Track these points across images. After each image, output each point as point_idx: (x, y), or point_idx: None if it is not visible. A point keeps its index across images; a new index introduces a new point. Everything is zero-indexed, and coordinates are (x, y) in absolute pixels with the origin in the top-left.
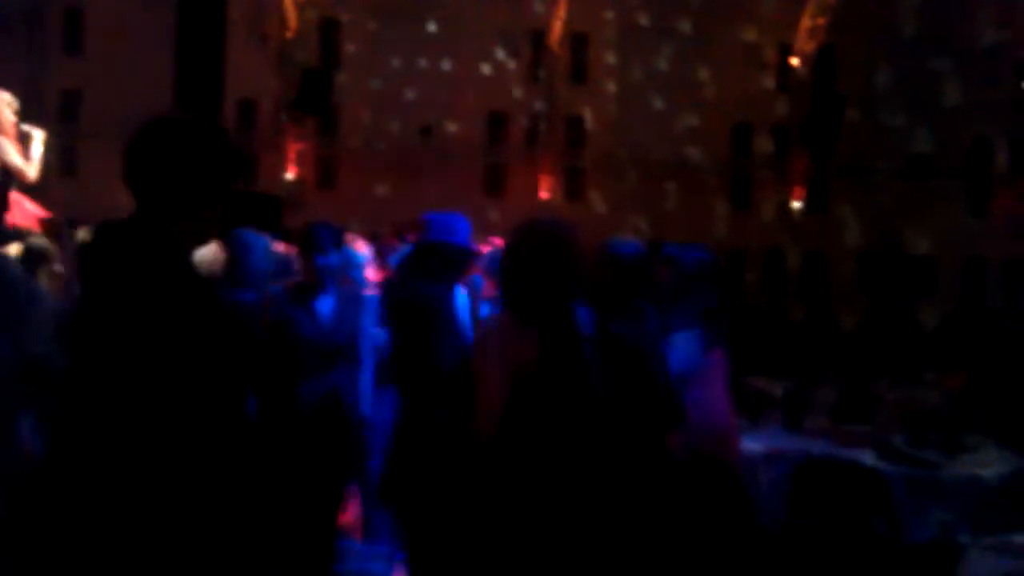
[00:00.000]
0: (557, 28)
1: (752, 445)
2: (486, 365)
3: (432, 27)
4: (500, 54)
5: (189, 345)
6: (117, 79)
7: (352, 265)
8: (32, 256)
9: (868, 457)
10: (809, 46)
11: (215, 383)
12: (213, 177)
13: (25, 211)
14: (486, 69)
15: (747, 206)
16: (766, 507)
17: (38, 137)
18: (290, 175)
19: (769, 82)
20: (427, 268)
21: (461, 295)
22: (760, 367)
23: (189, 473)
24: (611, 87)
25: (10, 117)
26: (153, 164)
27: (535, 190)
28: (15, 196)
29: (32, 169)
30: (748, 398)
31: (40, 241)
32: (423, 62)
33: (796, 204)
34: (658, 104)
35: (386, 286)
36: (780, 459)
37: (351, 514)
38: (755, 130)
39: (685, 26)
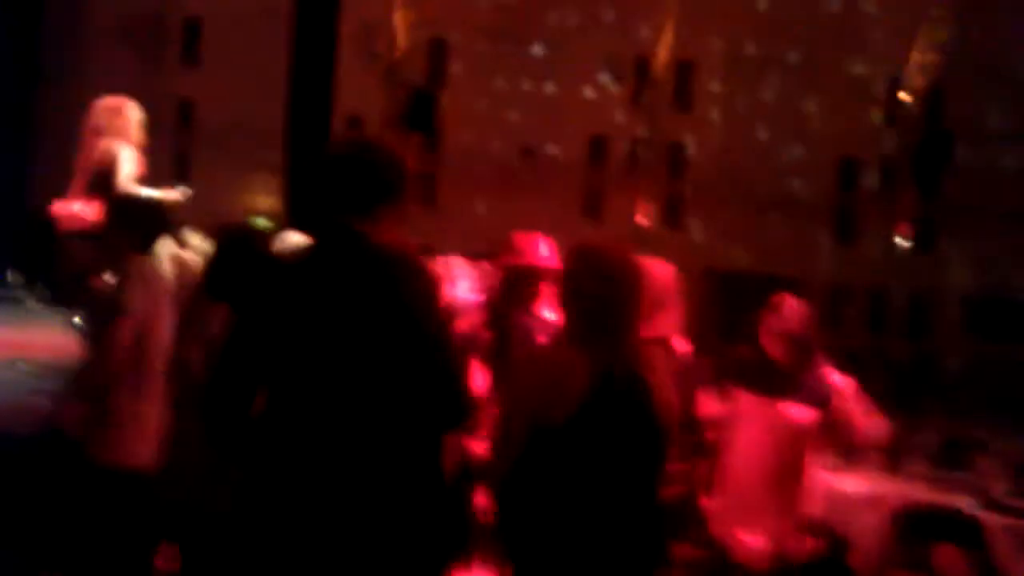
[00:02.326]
0: (662, 55)
1: (850, 486)
2: (511, 397)
3: (537, 50)
4: (604, 79)
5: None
6: (231, 90)
7: None
8: None
9: (968, 505)
10: (919, 81)
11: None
12: (386, 191)
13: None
14: (589, 93)
15: (852, 242)
16: (863, 550)
17: (171, 194)
18: None
19: (877, 116)
20: (510, 292)
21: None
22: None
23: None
24: (715, 115)
25: (134, 129)
26: (350, 179)
27: (633, 215)
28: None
29: (131, 184)
30: None
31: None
32: (527, 84)
33: (902, 242)
34: (763, 134)
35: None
36: (879, 502)
37: None
38: (862, 164)
39: (793, 56)
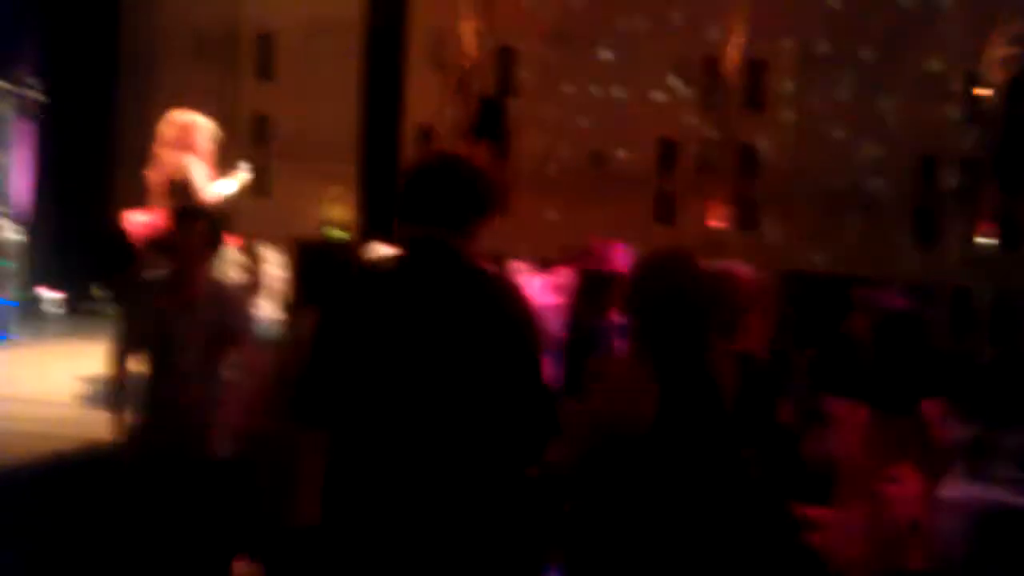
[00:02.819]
0: (733, 55)
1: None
2: (577, 412)
3: (606, 55)
4: (673, 81)
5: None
6: (304, 104)
7: None
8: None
9: None
10: (999, 76)
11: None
12: (480, 206)
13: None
14: (659, 96)
15: (933, 241)
16: (945, 557)
17: (240, 178)
18: None
19: (956, 113)
20: (589, 297)
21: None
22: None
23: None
24: (788, 116)
25: (205, 144)
26: (448, 194)
27: (706, 219)
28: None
29: (206, 193)
30: None
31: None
32: (596, 90)
33: (985, 240)
34: (838, 134)
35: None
36: (962, 507)
37: None
38: (942, 162)
39: (867, 54)
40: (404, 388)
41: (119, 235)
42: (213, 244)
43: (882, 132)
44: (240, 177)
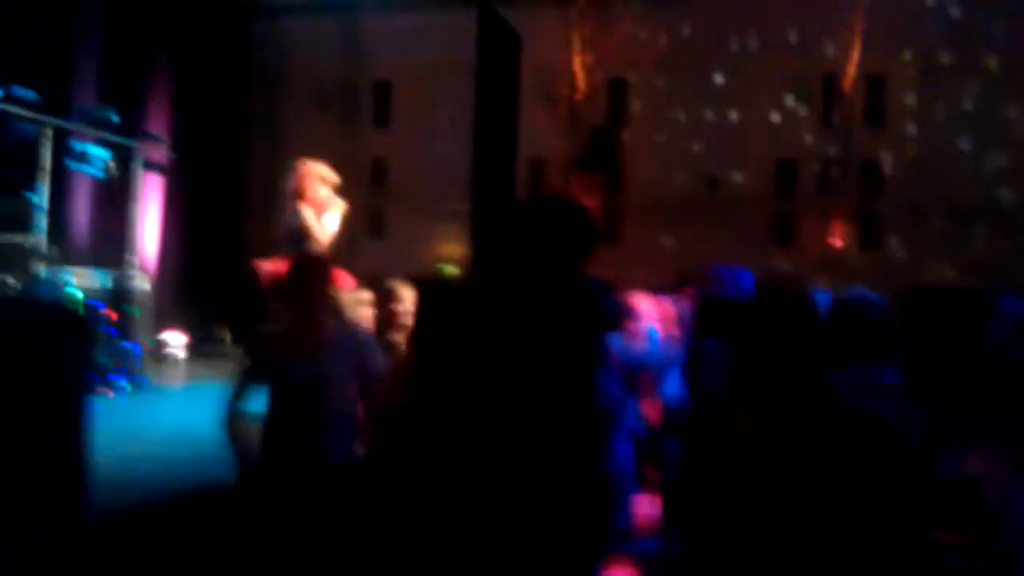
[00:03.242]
0: (851, 71)
1: None
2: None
3: (718, 79)
4: (790, 100)
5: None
6: (420, 147)
7: None
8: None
9: None
10: None
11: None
12: (578, 249)
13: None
14: (775, 117)
15: None
16: None
17: (336, 208)
18: None
19: None
20: (713, 323)
21: None
22: None
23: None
24: (911, 129)
25: (320, 189)
26: (555, 242)
27: (827, 238)
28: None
29: (320, 238)
30: None
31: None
32: (709, 114)
33: None
34: (963, 145)
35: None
36: None
37: None
38: None
39: (991, 62)
40: (472, 424)
41: (248, 283)
42: (330, 286)
43: (1008, 141)
44: (336, 207)
